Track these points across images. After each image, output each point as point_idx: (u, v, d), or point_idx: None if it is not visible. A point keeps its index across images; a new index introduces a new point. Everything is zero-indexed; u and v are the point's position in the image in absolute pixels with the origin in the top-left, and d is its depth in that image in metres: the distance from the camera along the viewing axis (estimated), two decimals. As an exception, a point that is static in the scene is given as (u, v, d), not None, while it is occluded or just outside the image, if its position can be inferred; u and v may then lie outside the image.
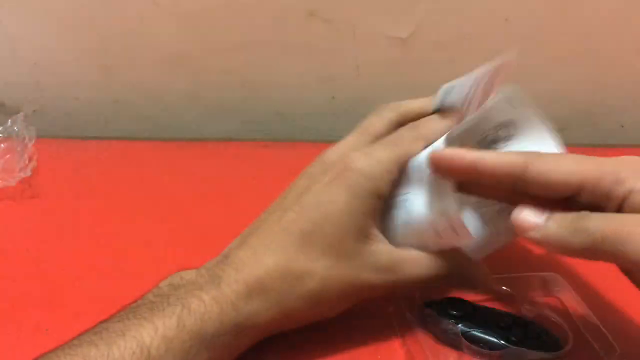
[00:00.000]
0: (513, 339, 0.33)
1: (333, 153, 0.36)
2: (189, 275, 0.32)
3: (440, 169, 0.32)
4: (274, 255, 0.32)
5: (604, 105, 0.65)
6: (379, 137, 0.36)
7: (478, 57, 0.62)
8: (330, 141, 0.66)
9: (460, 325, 0.34)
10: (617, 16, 0.59)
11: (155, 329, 0.28)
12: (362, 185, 0.33)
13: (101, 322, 0.30)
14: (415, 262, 0.34)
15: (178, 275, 0.32)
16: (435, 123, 0.37)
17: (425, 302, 0.36)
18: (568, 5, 0.59)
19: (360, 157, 0.34)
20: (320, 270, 0.31)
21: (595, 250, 0.26)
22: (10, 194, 0.53)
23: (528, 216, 0.29)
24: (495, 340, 0.33)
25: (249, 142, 0.63)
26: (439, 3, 0.59)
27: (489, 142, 0.35)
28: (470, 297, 0.37)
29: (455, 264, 0.34)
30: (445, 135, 0.35)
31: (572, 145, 0.62)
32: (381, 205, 0.34)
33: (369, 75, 0.64)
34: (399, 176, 0.34)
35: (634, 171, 0.28)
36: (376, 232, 0.33)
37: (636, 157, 0.29)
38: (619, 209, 0.27)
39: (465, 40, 0.61)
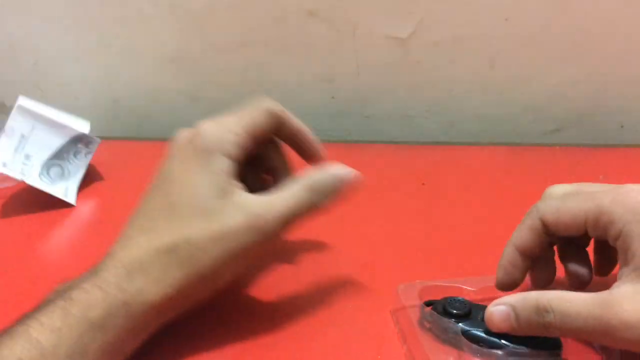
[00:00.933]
0: (513, 337, 0.33)
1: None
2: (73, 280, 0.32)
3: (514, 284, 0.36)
4: (146, 234, 0.32)
5: (604, 105, 0.65)
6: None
7: (478, 57, 0.63)
8: (330, 141, 0.66)
9: (460, 324, 0.34)
10: (617, 16, 0.59)
11: (41, 324, 0.28)
12: (207, 146, 0.34)
13: None
14: (281, 198, 0.34)
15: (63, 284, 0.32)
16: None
17: (426, 302, 0.36)
18: (568, 5, 0.59)
19: (204, 124, 0.35)
20: (191, 234, 0.32)
21: (568, 336, 0.32)
22: (10, 194, 0.53)
23: (502, 320, 0.32)
24: (495, 339, 0.33)
25: (249, 142, 0.63)
26: (439, 3, 0.59)
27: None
28: (471, 296, 0.37)
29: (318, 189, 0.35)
30: None
31: (573, 145, 0.63)
32: (233, 164, 0.34)
33: (369, 75, 0.64)
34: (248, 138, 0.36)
35: (626, 210, 0.30)
36: (235, 186, 0.34)
37: (633, 188, 0.31)
38: (615, 244, 0.31)
39: (465, 40, 0.61)
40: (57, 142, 0.52)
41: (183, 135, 0.36)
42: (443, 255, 0.44)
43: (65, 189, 0.52)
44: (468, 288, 0.37)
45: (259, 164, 0.39)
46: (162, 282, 0.31)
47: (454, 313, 0.34)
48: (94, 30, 0.64)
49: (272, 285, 0.40)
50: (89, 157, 0.53)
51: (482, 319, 0.34)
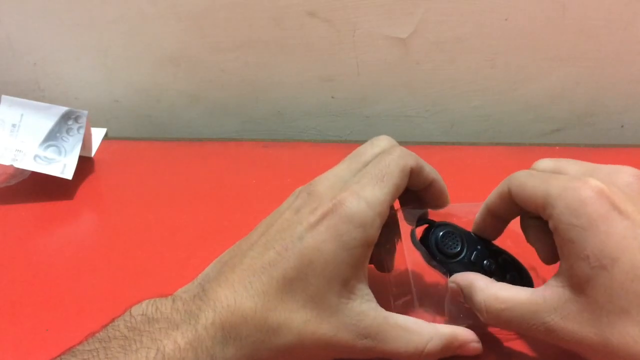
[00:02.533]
0: (493, 274, 0.35)
1: (322, 185, 0.33)
2: (164, 306, 0.30)
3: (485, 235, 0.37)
4: (253, 300, 0.30)
5: (604, 105, 0.65)
6: None
7: (478, 57, 0.63)
8: (330, 141, 0.67)
9: (448, 263, 0.35)
10: (617, 16, 0.59)
11: None
12: (352, 234, 0.31)
13: (70, 350, 0.28)
14: (402, 332, 0.32)
15: (153, 305, 0.30)
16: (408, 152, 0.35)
17: (423, 220, 0.37)
18: (568, 5, 0.59)
19: (349, 199, 0.31)
20: (297, 324, 0.30)
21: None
22: (10, 194, 0.53)
23: (452, 287, 0.34)
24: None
25: (249, 142, 0.63)
26: (439, 3, 0.59)
27: None
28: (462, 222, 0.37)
29: (448, 345, 0.33)
30: None
31: (572, 145, 0.63)
32: (370, 252, 0.32)
33: (369, 75, 0.64)
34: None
35: (565, 209, 0.29)
36: (362, 287, 0.32)
37: (591, 185, 0.30)
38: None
39: (465, 40, 0.61)
40: (47, 124, 0.53)
41: (320, 194, 0.32)
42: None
43: (63, 166, 0.52)
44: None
45: None
46: (251, 356, 0.30)
47: (445, 252, 0.35)
48: (94, 30, 0.64)
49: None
50: (82, 131, 0.54)
51: (470, 259, 0.35)
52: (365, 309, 0.31)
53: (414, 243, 0.36)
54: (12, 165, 0.51)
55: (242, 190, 0.54)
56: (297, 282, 0.30)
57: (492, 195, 0.35)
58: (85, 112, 0.54)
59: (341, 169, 0.35)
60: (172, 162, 0.59)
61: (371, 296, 0.32)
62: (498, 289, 0.32)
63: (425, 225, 0.37)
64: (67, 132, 0.53)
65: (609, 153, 0.59)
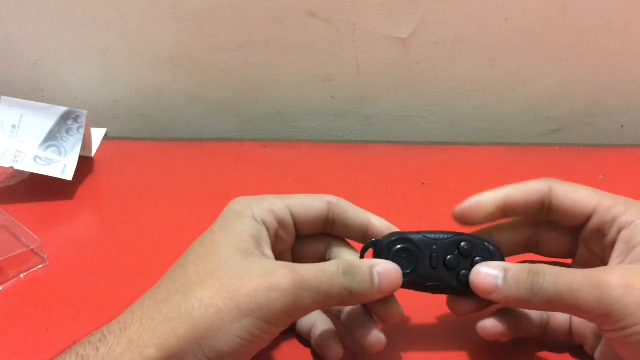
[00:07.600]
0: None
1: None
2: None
3: (471, 220, 0.34)
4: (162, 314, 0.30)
5: (604, 105, 0.65)
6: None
7: (478, 57, 0.63)
8: (330, 141, 0.67)
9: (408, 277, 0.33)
10: (617, 17, 0.59)
11: None
12: (237, 209, 0.34)
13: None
14: (313, 268, 0.31)
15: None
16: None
17: (372, 241, 0.34)
18: (568, 5, 0.59)
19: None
20: (195, 294, 0.30)
21: (554, 306, 0.30)
22: (10, 194, 0.53)
23: (487, 277, 0.31)
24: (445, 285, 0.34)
25: (249, 142, 0.63)
26: (439, 3, 0.59)
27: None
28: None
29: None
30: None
31: (572, 145, 0.63)
32: (263, 229, 0.33)
33: (369, 75, 0.64)
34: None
35: (638, 210, 0.32)
36: (260, 251, 0.32)
37: None
38: (617, 235, 0.32)
39: (465, 40, 0.61)
40: (47, 124, 0.53)
41: None
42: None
43: (64, 166, 0.52)
44: None
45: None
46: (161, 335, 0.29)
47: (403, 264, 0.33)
48: (94, 30, 0.64)
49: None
50: (82, 130, 0.54)
51: (431, 266, 0.33)
52: (265, 260, 0.32)
53: None
54: (12, 167, 0.51)
55: (242, 190, 0.54)
56: (190, 267, 0.33)
57: (517, 186, 0.35)
58: (85, 112, 0.54)
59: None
60: (172, 162, 0.59)
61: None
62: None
63: (371, 250, 0.34)
64: (67, 132, 0.53)
65: (609, 153, 0.59)
